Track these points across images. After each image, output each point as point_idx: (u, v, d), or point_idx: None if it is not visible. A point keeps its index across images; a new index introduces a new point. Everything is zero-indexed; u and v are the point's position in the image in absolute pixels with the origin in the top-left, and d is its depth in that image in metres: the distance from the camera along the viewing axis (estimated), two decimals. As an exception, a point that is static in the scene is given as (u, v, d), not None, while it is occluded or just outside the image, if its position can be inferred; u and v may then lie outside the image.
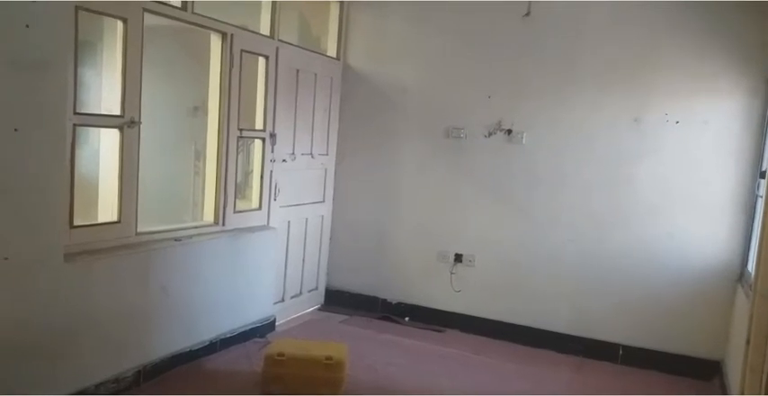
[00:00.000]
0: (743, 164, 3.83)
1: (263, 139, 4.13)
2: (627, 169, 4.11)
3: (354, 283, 4.98)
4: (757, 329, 2.39)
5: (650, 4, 3.97)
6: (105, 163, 3.24)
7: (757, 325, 2.39)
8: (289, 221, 4.50)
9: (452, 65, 4.57)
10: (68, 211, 2.84)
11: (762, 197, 3.56)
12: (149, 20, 3.18)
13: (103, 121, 3.12)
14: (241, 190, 4.15)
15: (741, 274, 3.81)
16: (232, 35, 3.72)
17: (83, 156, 3.14)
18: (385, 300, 4.89)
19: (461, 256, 4.64)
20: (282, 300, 4.53)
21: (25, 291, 2.61)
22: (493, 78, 4.44)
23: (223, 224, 3.85)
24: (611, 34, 4.10)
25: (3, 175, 2.47)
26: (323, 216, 4.93)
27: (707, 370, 3.95)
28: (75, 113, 2.83)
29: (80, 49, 2.85)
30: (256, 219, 4.15)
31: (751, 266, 3.47)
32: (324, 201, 4.93)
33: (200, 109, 4.08)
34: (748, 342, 2.44)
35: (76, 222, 2.92)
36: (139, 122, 3.18)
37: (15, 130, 2.48)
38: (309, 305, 4.91)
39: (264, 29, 4.08)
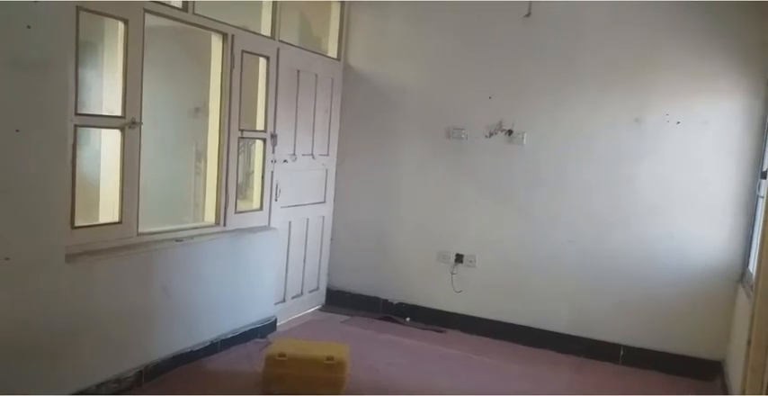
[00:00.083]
0: (743, 164, 3.83)
1: (264, 140, 4.13)
2: (627, 169, 4.11)
3: (355, 283, 4.99)
4: (758, 330, 2.39)
5: (650, 4, 3.98)
6: (106, 164, 3.25)
7: (758, 325, 2.39)
8: (290, 222, 4.50)
9: (453, 65, 4.57)
10: (69, 211, 2.85)
11: (763, 197, 3.56)
12: (150, 21, 3.19)
13: (104, 121, 3.13)
14: (242, 190, 4.16)
15: (742, 275, 3.81)
16: (233, 36, 3.73)
17: (84, 156, 3.14)
18: (386, 300, 4.89)
19: (462, 256, 4.64)
20: (283, 300, 4.53)
21: (26, 291, 2.62)
22: (493, 79, 4.44)
23: (224, 225, 3.85)
24: (611, 34, 4.10)
25: (4, 175, 2.47)
26: (324, 216, 4.94)
27: (708, 370, 3.95)
28: (77, 114, 2.83)
29: (81, 50, 2.86)
30: (257, 219, 4.15)
31: (752, 267, 3.46)
32: (325, 201, 4.93)
33: (201, 110, 4.08)
34: (749, 342, 2.44)
35: (78, 223, 2.92)
36: (140, 123, 3.18)
37: (17, 130, 2.48)
38: (310, 305, 4.91)
39: (265, 30, 4.08)
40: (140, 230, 3.28)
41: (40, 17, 2.51)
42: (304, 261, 4.74)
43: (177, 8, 3.38)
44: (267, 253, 4.16)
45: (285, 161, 4.33)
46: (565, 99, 4.25)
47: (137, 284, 3.20)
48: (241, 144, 3.95)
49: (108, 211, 3.21)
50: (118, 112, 3.11)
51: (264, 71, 4.06)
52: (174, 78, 4.08)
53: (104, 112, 3.19)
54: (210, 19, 3.58)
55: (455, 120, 4.58)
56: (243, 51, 3.81)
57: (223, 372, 3.58)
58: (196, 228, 3.71)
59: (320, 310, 4.96)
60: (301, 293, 4.77)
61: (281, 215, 4.37)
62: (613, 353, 4.18)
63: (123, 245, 3.17)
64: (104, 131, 3.21)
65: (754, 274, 2.94)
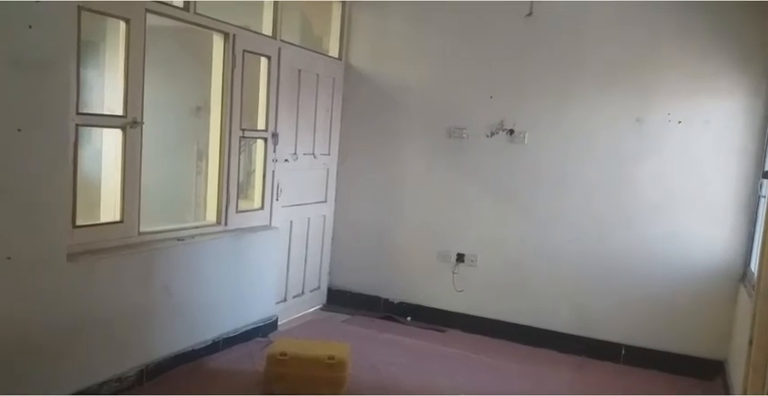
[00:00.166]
0: (745, 164, 3.83)
1: (266, 139, 4.13)
2: (628, 169, 4.11)
3: (356, 282, 4.99)
4: (760, 329, 2.39)
5: (651, 4, 3.97)
6: (108, 163, 3.26)
7: (760, 325, 2.39)
8: (291, 221, 4.51)
9: (454, 65, 4.57)
10: (71, 210, 2.85)
11: (764, 197, 3.56)
12: (152, 20, 3.19)
13: (106, 121, 3.13)
14: (243, 190, 4.16)
15: (744, 274, 3.81)
16: (234, 35, 3.73)
17: (85, 156, 3.15)
18: (387, 299, 4.90)
19: (463, 255, 4.64)
20: (285, 299, 4.54)
21: (28, 290, 2.62)
22: (495, 78, 4.44)
23: (225, 224, 3.86)
24: (612, 34, 4.10)
25: (6, 174, 2.48)
26: (325, 216, 4.94)
27: (709, 370, 3.95)
28: (78, 113, 2.83)
29: (83, 50, 2.86)
30: (259, 219, 4.16)
31: (754, 266, 3.46)
32: (326, 200, 4.94)
33: (202, 109, 4.08)
34: (751, 342, 2.44)
35: (79, 222, 2.92)
36: (142, 122, 3.18)
37: (18, 130, 2.49)
38: (311, 305, 4.91)
39: (267, 29, 4.09)
40: (142, 230, 3.28)
41: (42, 17, 2.51)
42: (305, 260, 4.75)
43: (179, 8, 3.39)
44: (268, 252, 4.16)
45: (286, 160, 4.33)
46: (566, 99, 4.25)
47: (138, 284, 3.21)
48: (242, 143, 3.95)
49: (109, 210, 3.21)
50: (119, 112, 3.11)
51: (266, 71, 4.06)
52: (176, 78, 4.08)
53: (106, 112, 3.19)
54: (212, 19, 3.58)
55: (456, 119, 4.58)
56: (244, 51, 3.82)
57: (224, 371, 3.58)
58: (197, 227, 3.71)
59: (321, 309, 4.96)
60: (302, 293, 4.77)
61: (283, 214, 4.37)
62: (614, 352, 4.18)
63: (125, 244, 3.17)
64: (106, 131, 3.22)
65: (755, 273, 2.93)
